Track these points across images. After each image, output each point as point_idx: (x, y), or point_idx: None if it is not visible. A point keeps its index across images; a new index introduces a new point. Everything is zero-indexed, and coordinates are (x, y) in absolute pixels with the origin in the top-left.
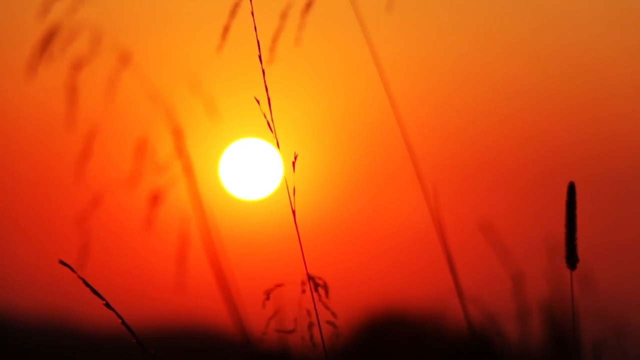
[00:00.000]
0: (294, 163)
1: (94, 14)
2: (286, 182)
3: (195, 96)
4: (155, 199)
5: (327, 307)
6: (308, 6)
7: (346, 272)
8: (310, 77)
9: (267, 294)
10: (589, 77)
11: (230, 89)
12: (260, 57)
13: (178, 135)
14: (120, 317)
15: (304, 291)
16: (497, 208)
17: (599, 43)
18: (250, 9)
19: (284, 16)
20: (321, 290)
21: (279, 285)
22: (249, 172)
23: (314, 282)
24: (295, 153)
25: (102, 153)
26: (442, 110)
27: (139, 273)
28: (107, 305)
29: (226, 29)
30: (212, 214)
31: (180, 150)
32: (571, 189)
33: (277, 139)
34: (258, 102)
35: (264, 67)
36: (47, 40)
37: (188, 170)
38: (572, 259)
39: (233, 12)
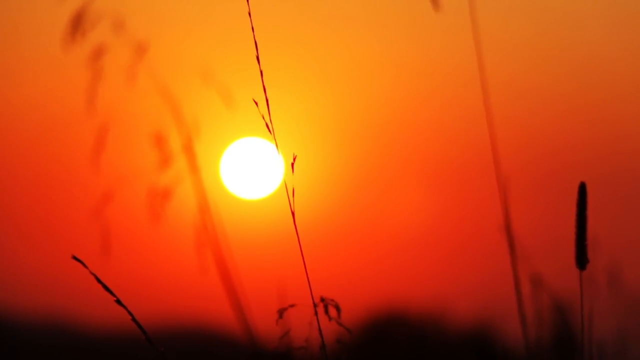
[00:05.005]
0: (292, 164)
1: (110, 4)
2: (285, 183)
3: (208, 90)
4: (162, 196)
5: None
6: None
7: (346, 273)
8: (313, 77)
9: (280, 313)
10: (593, 78)
11: (237, 86)
12: (257, 57)
13: (186, 131)
14: (130, 313)
15: (316, 313)
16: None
17: (603, 44)
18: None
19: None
20: (332, 311)
21: (292, 306)
22: (251, 171)
23: (325, 305)
24: (294, 154)
25: (112, 148)
26: (445, 111)
27: (143, 273)
28: (118, 301)
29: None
30: (217, 211)
31: (188, 146)
32: (582, 189)
33: (275, 141)
34: (256, 103)
35: (262, 69)
36: (75, 24)
37: (194, 167)
38: (581, 260)
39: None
